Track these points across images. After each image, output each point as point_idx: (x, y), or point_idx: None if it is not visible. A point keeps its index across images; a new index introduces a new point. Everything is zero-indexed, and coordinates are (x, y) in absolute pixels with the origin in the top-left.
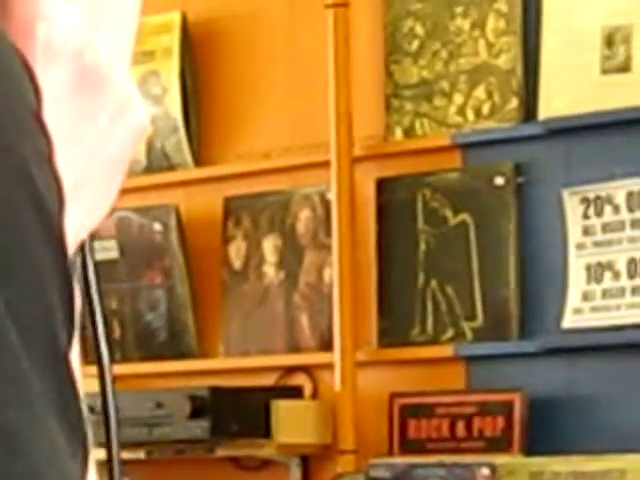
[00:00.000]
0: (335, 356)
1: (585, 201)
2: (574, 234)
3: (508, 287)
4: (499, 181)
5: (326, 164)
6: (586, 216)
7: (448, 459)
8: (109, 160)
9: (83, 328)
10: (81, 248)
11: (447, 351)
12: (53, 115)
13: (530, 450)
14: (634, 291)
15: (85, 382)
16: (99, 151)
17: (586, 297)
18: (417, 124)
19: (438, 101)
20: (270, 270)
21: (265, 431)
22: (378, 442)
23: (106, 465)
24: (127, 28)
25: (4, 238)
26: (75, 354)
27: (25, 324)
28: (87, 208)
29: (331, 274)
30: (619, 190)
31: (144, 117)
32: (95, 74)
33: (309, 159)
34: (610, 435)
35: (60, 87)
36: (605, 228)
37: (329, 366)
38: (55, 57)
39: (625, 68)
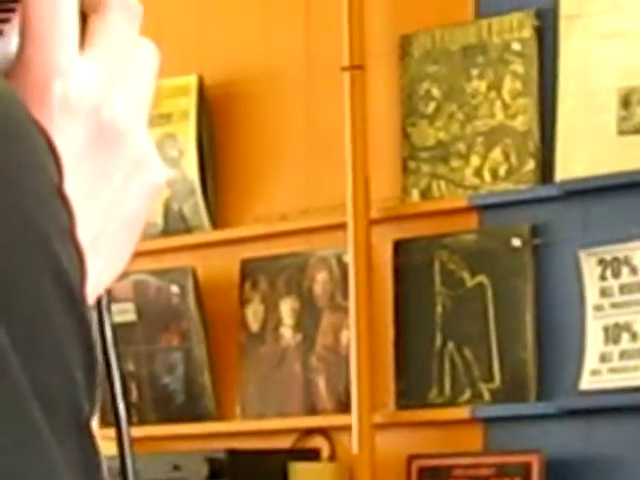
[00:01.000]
0: (352, 418)
1: (602, 262)
2: (591, 295)
3: (525, 348)
4: (516, 243)
5: (343, 226)
6: (603, 277)
7: None
8: (126, 216)
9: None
10: (98, 304)
11: (464, 413)
12: (70, 172)
13: None
14: None
15: (102, 444)
16: (116, 207)
17: (604, 358)
18: (434, 186)
19: (455, 163)
20: (287, 332)
21: None
22: None
23: None
24: (144, 85)
25: (28, 313)
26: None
27: (48, 397)
28: (104, 263)
29: (348, 336)
30: (637, 251)
31: (161, 175)
32: (111, 131)
33: (326, 221)
34: None
35: (77, 144)
36: (623, 289)
37: (347, 428)
38: (72, 114)
39: None
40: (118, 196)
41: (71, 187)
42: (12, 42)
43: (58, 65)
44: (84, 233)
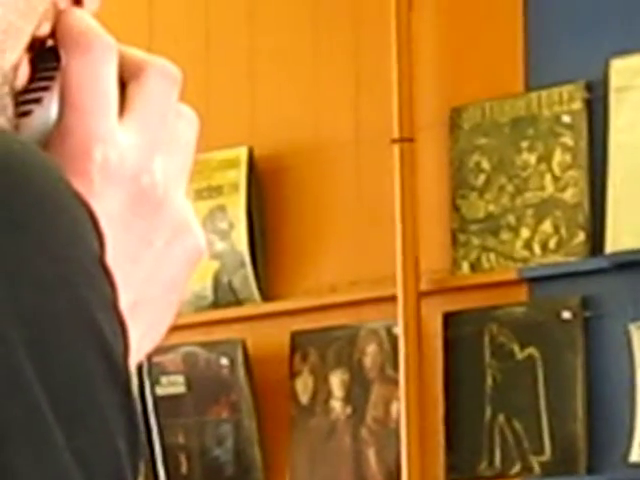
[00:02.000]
0: None
1: None
2: None
3: (576, 421)
4: (566, 315)
5: (393, 298)
6: None
7: None
8: (166, 282)
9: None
10: (139, 370)
11: None
12: (111, 237)
13: None
14: None
15: None
16: (156, 273)
17: None
18: (484, 258)
19: (505, 235)
20: (337, 405)
21: None
22: None
23: None
24: (183, 152)
25: (71, 384)
26: None
27: (92, 468)
28: (144, 330)
29: (398, 408)
30: None
31: (200, 240)
32: (151, 197)
33: (376, 293)
34: None
35: (117, 210)
36: None
37: None
38: (112, 180)
39: None
40: (159, 261)
41: (112, 253)
42: (52, 110)
43: (98, 132)
44: (125, 298)
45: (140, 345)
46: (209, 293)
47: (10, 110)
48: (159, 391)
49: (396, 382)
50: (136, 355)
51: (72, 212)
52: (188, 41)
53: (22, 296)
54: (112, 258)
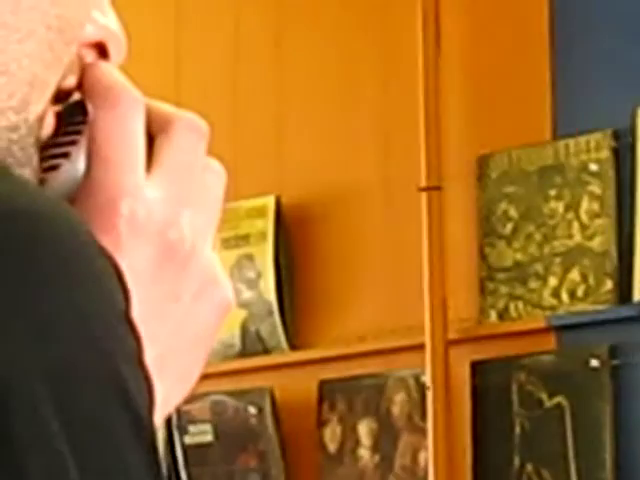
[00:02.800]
0: None
1: None
2: None
3: (604, 470)
4: (594, 363)
5: (421, 347)
6: None
7: None
8: (194, 336)
9: None
10: (168, 423)
11: None
12: (137, 291)
13: None
14: None
15: None
16: (183, 327)
17: None
18: (512, 306)
19: (533, 283)
20: (365, 453)
21: None
22: None
23: None
24: (211, 205)
25: (96, 440)
26: None
27: None
28: (172, 383)
29: (426, 457)
30: None
31: (228, 293)
32: (179, 251)
33: (404, 342)
34: None
35: (144, 263)
36: None
37: None
38: (139, 234)
39: None
40: (186, 315)
41: (139, 307)
42: (79, 164)
43: (125, 186)
44: (152, 352)
45: (168, 398)
46: (237, 342)
47: (35, 161)
48: (187, 440)
49: (424, 431)
50: (164, 408)
51: (98, 267)
52: (215, 90)
53: (47, 351)
54: (139, 312)
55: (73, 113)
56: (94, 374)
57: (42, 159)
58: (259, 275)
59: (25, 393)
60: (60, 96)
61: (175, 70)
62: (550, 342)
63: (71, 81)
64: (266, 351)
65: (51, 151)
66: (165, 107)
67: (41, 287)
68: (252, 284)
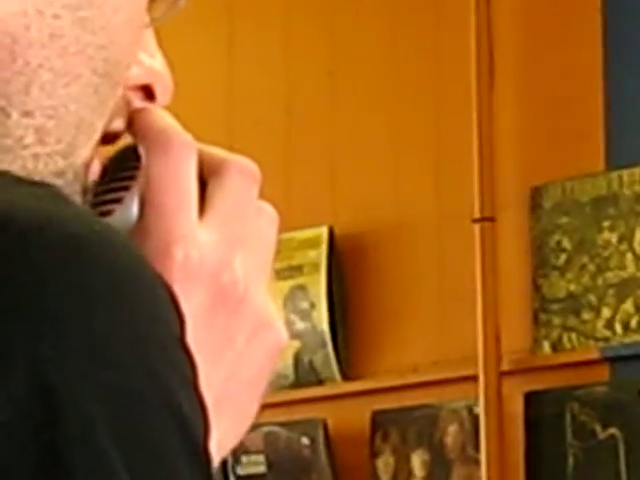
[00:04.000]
0: None
1: None
2: None
3: None
4: None
5: (474, 378)
6: None
7: None
8: (248, 379)
9: None
10: (223, 465)
11: None
12: (191, 336)
13: None
14: None
15: None
16: (238, 370)
17: None
18: (565, 338)
19: (586, 315)
20: None
21: None
22: None
23: None
24: (264, 249)
25: (151, 461)
26: None
27: None
28: (227, 427)
29: None
30: None
31: (282, 336)
32: (232, 295)
33: (457, 373)
34: None
35: (198, 307)
36: None
37: None
38: (192, 278)
39: None
40: (240, 359)
41: (193, 350)
42: (132, 209)
43: (178, 231)
44: (207, 396)
45: (224, 441)
46: (290, 372)
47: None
48: (240, 471)
49: (477, 462)
50: (220, 451)
51: (152, 291)
52: (268, 122)
53: (103, 372)
54: (194, 355)
55: (125, 158)
56: (149, 397)
57: (95, 205)
58: (312, 306)
59: (80, 413)
60: (107, 139)
61: (226, 111)
62: (603, 373)
63: (118, 124)
64: (319, 382)
65: (104, 197)
66: (217, 151)
67: (97, 309)
68: (305, 315)
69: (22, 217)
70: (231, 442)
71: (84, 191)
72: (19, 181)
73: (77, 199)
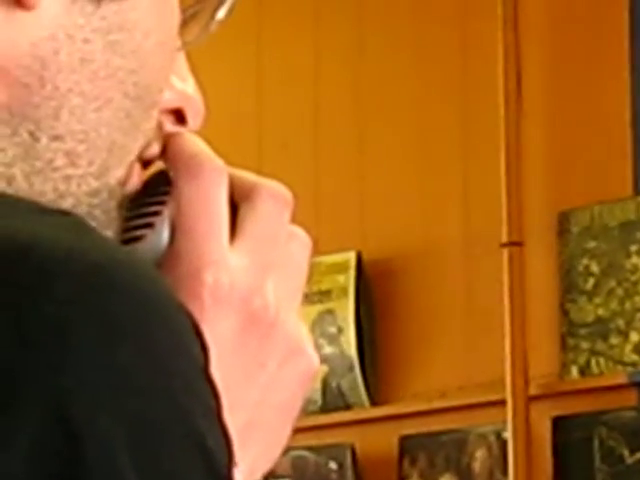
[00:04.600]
0: None
1: None
2: None
3: None
4: None
5: (502, 403)
6: None
7: None
8: (279, 404)
9: None
10: None
11: None
12: (223, 359)
13: None
14: None
15: None
16: (269, 395)
17: None
18: (593, 362)
19: (614, 339)
20: None
21: None
22: None
23: None
24: (295, 274)
25: None
26: None
27: None
28: (258, 452)
29: None
30: None
31: (313, 362)
32: (263, 320)
33: (485, 398)
34: None
35: (229, 332)
36: None
37: None
38: (223, 303)
39: None
40: (271, 384)
41: (223, 375)
42: (163, 234)
43: (209, 255)
44: (238, 421)
45: (255, 466)
46: (318, 397)
47: (116, 224)
48: None
49: None
50: (251, 476)
51: (176, 321)
52: (297, 148)
53: (124, 402)
54: (225, 380)
55: (156, 183)
56: (172, 427)
57: (126, 230)
58: (340, 330)
59: (102, 443)
60: (145, 164)
61: (257, 137)
62: (632, 398)
63: (155, 149)
64: (347, 406)
65: (135, 222)
66: (248, 175)
67: (118, 340)
68: (333, 339)
69: (44, 247)
70: (263, 467)
71: (120, 208)
72: (41, 210)
73: (113, 216)
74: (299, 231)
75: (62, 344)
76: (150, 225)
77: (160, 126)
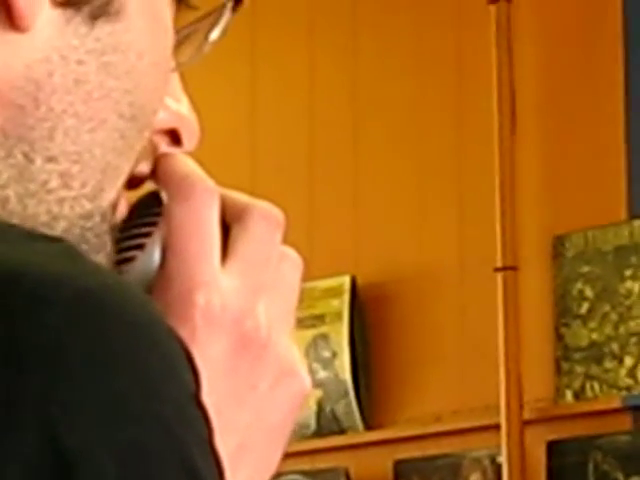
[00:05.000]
0: None
1: None
2: None
3: None
4: None
5: (496, 427)
6: None
7: None
8: (271, 426)
9: None
10: None
11: None
12: (214, 382)
13: None
14: None
15: None
16: (260, 417)
17: None
18: (587, 386)
19: (608, 363)
20: None
21: None
22: None
23: None
24: (287, 295)
25: None
26: None
27: None
28: (249, 474)
29: None
30: None
31: (305, 384)
32: (255, 341)
33: (479, 422)
34: None
35: (220, 353)
36: None
37: None
38: (215, 325)
39: None
40: (262, 406)
41: (215, 397)
42: (154, 256)
43: (201, 277)
44: (230, 442)
45: None
46: (312, 422)
47: (109, 247)
48: None
49: None
50: None
51: (167, 347)
52: (291, 172)
53: (115, 429)
54: (217, 401)
55: (148, 204)
56: (164, 456)
57: (117, 251)
58: (334, 355)
59: (93, 472)
60: (133, 182)
61: (250, 158)
62: (626, 422)
63: (144, 167)
64: (341, 431)
65: (126, 243)
66: (240, 196)
67: (110, 367)
68: (327, 364)
69: (34, 274)
70: None
71: (112, 230)
72: (31, 236)
73: (105, 239)
74: (290, 252)
75: (54, 372)
76: (141, 246)
77: (153, 146)
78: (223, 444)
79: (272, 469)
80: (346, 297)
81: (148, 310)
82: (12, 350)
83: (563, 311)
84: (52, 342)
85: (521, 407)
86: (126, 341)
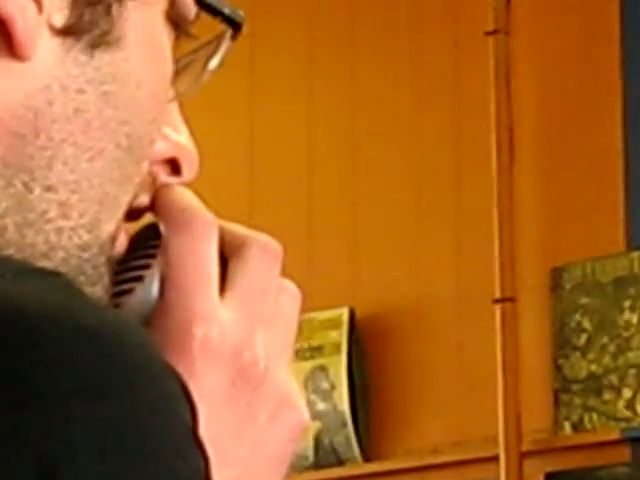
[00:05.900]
0: None
1: None
2: None
3: None
4: None
5: (495, 459)
6: None
7: None
8: (269, 457)
9: None
10: None
11: None
12: (212, 414)
13: None
14: None
15: None
16: (259, 449)
17: None
18: (586, 418)
19: (607, 395)
20: None
21: None
22: None
23: None
24: (286, 327)
25: None
26: None
27: None
28: None
29: None
30: None
31: (304, 416)
32: (253, 374)
33: (478, 454)
34: None
35: (218, 386)
36: None
37: None
38: (213, 357)
39: None
40: (261, 437)
41: (213, 430)
42: (153, 288)
43: (199, 310)
44: (228, 474)
45: None
46: (310, 454)
47: (106, 279)
48: None
49: None
50: None
51: (163, 383)
52: (289, 203)
53: (111, 465)
54: (215, 433)
55: (146, 236)
56: None
57: (116, 283)
58: (333, 387)
59: None
60: (133, 214)
61: (248, 188)
62: (625, 454)
63: (144, 199)
64: (340, 463)
65: (125, 275)
66: (238, 228)
67: (108, 401)
68: (326, 395)
69: (32, 310)
70: None
71: (110, 264)
72: (29, 270)
73: (102, 271)
74: (289, 284)
75: (51, 408)
76: (139, 278)
77: (153, 177)
78: (221, 477)
79: None
80: (344, 329)
81: (145, 347)
82: (10, 385)
83: (562, 343)
84: (50, 377)
85: (520, 439)
86: (123, 378)
